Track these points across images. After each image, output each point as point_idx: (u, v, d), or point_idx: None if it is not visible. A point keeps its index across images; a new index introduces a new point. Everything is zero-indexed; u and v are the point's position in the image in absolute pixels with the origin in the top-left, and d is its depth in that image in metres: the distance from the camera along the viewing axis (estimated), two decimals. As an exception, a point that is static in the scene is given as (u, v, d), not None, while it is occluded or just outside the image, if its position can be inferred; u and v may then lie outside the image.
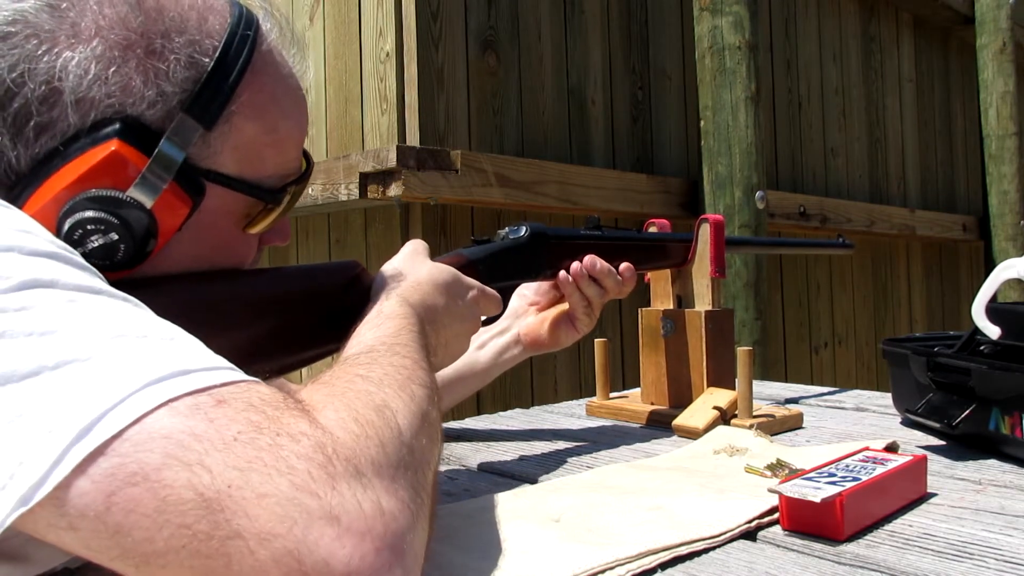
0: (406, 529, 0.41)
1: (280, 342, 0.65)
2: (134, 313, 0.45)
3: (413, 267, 0.76)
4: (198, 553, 0.37)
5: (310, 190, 2.12)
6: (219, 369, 0.44)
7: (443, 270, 0.76)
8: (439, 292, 0.74)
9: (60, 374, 0.40)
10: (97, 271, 0.48)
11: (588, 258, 0.94)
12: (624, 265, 0.97)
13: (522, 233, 0.91)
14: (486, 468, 0.86)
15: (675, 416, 0.99)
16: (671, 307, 1.11)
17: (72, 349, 0.41)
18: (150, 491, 0.38)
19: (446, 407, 1.02)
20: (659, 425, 1.04)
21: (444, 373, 0.96)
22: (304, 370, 0.72)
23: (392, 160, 1.88)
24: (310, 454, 0.40)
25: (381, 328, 0.61)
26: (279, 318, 0.65)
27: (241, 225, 0.64)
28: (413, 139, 2.03)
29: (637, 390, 1.17)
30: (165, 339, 0.44)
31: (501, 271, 0.87)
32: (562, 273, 0.94)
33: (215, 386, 0.42)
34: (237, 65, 0.60)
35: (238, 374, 0.45)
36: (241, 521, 0.38)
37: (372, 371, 0.52)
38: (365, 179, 1.96)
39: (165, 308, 0.48)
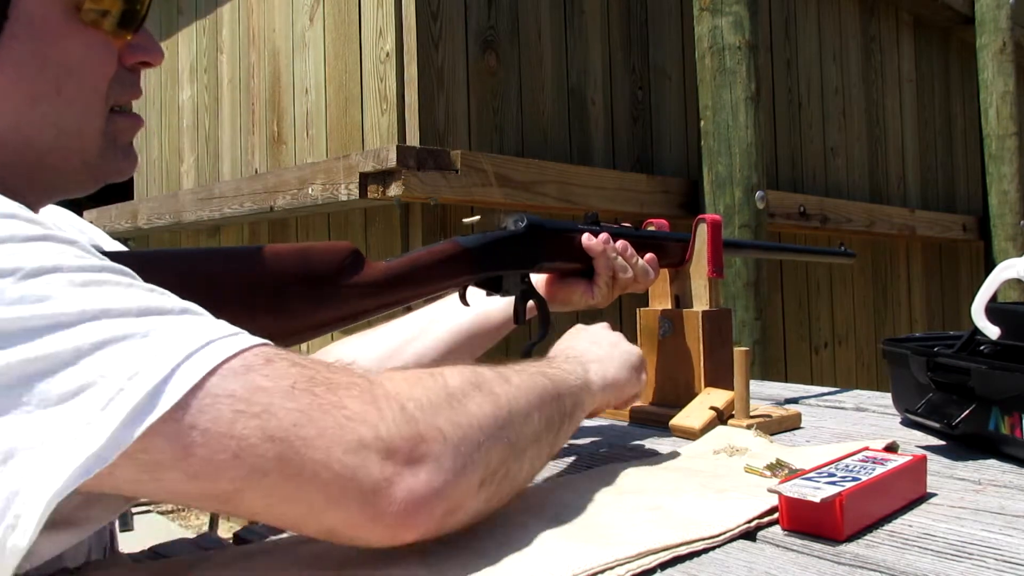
0: (448, 464, 0.47)
1: (273, 319, 0.65)
2: (141, 288, 0.46)
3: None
4: (274, 485, 0.43)
5: (310, 190, 2.12)
6: (241, 334, 0.46)
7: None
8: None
9: (99, 356, 0.41)
10: (79, 239, 0.47)
11: (620, 242, 0.96)
12: (649, 255, 0.98)
13: (521, 224, 0.91)
14: (485, 468, 0.86)
15: (672, 416, 0.99)
16: (669, 307, 1.11)
17: (101, 331, 0.42)
18: (222, 440, 0.42)
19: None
20: (657, 425, 1.04)
21: (459, 326, 0.98)
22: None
23: (392, 160, 1.88)
24: (358, 395, 0.46)
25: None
26: (273, 295, 0.65)
27: (73, 16, 0.54)
28: (413, 139, 2.03)
29: (637, 390, 1.17)
30: (183, 311, 0.46)
31: (495, 260, 0.87)
32: (590, 238, 0.94)
33: (252, 347, 0.45)
34: None
35: (259, 339, 0.47)
36: (307, 452, 0.43)
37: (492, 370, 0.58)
38: (365, 179, 1.96)
39: (160, 282, 0.48)
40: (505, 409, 0.54)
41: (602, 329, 0.81)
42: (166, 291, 0.47)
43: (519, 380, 0.58)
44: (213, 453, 0.41)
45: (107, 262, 0.46)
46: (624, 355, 0.79)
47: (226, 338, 0.45)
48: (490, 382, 0.55)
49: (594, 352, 0.76)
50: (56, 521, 0.41)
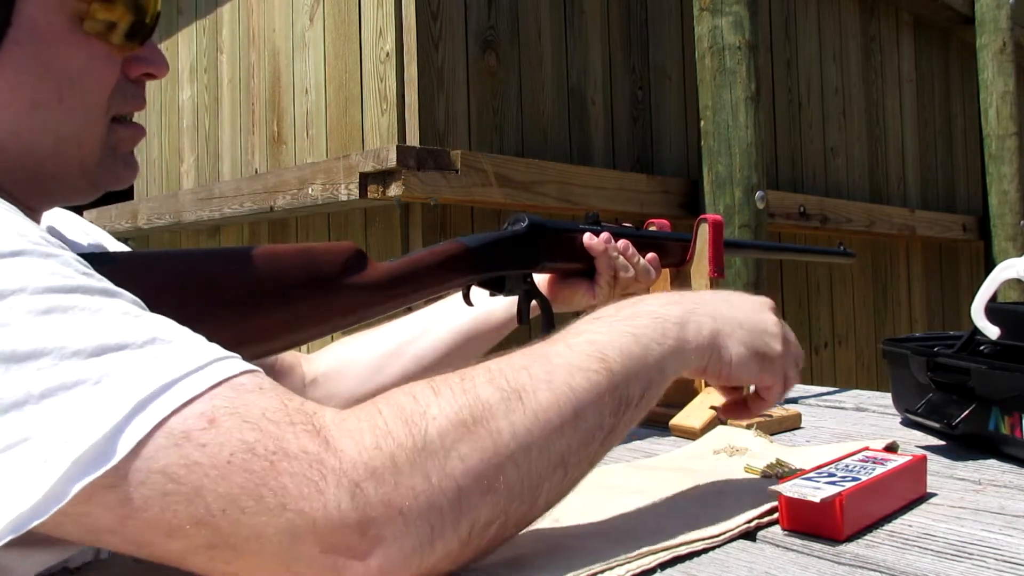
0: (403, 544, 0.42)
1: (275, 320, 0.64)
2: (110, 313, 0.43)
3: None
4: (208, 563, 0.41)
5: (310, 190, 2.12)
6: (207, 365, 0.43)
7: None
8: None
9: (45, 405, 0.39)
10: (64, 250, 0.45)
11: (621, 242, 0.96)
12: (651, 255, 0.98)
13: (522, 224, 0.91)
14: (486, 468, 0.85)
15: (672, 416, 0.99)
16: (671, 307, 1.10)
17: (52, 374, 0.40)
18: (154, 519, 0.40)
19: (458, 365, 0.99)
20: (657, 425, 1.04)
21: (460, 327, 0.97)
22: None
23: (392, 160, 1.88)
24: (301, 471, 0.41)
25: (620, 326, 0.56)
26: (274, 296, 0.64)
27: (77, 26, 0.54)
28: (413, 139, 2.03)
29: (637, 390, 1.17)
30: (147, 342, 0.42)
31: (497, 260, 0.87)
32: (592, 237, 0.94)
33: (205, 392, 0.42)
34: None
35: (230, 364, 0.44)
36: (237, 542, 0.40)
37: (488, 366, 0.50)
38: (365, 179, 1.96)
39: (160, 284, 0.47)
40: (508, 449, 0.46)
41: (742, 296, 0.68)
42: (141, 311, 0.45)
43: (546, 395, 0.48)
44: (145, 528, 0.40)
45: (82, 280, 0.44)
46: (760, 320, 0.65)
47: (181, 381, 0.41)
48: (493, 414, 0.46)
49: (714, 308, 0.63)
50: (36, 541, 0.41)
